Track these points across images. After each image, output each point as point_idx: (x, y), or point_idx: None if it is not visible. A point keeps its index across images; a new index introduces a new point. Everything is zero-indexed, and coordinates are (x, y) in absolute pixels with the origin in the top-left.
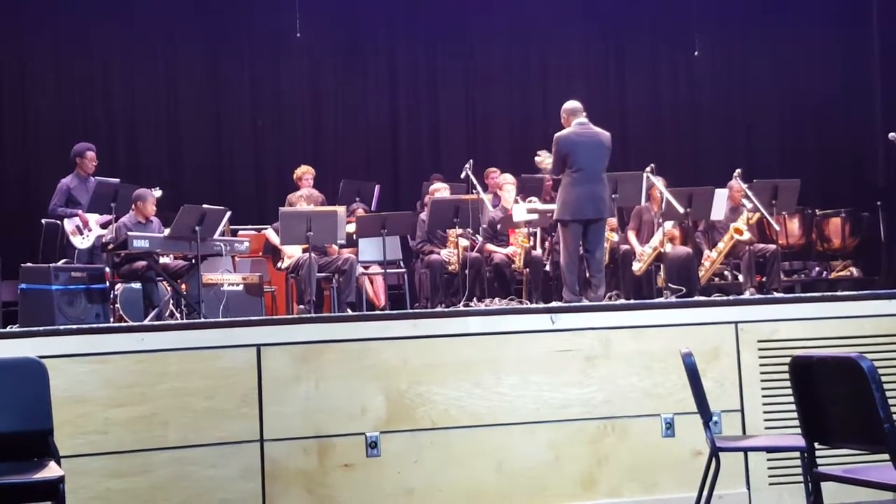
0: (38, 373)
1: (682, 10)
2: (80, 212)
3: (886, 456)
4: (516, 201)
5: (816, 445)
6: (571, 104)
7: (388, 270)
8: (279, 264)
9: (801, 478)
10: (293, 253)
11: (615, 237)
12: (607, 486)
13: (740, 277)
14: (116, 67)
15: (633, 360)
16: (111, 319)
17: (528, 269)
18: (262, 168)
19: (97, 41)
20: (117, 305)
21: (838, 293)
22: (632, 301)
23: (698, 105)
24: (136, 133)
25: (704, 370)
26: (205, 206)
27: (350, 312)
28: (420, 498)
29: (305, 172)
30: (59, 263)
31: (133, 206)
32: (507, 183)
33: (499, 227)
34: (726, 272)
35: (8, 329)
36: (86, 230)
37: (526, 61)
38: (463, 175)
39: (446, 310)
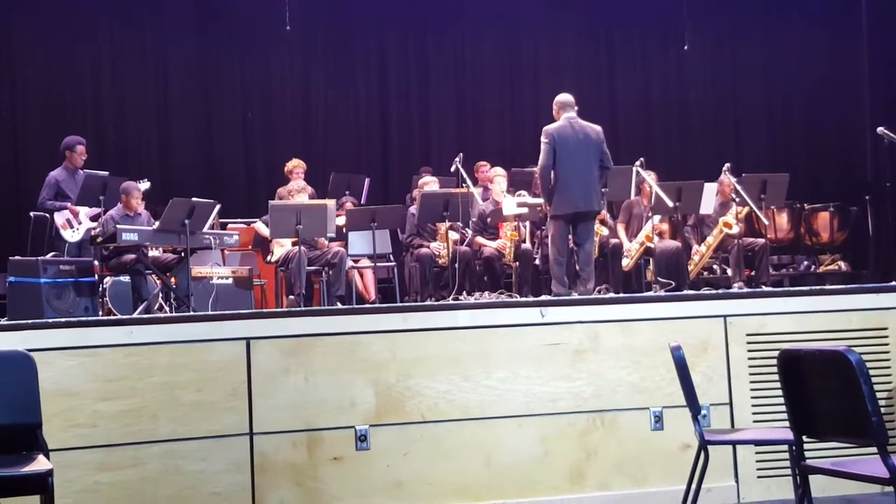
0: (27, 366)
1: (671, 4)
2: (69, 205)
3: (874, 449)
4: (505, 195)
5: (804, 438)
6: (564, 97)
7: (378, 264)
8: (268, 257)
9: (789, 471)
10: (283, 244)
11: (605, 231)
12: (596, 479)
13: (729, 271)
14: (106, 60)
15: (622, 354)
16: (100, 313)
17: (517, 263)
18: (251, 161)
19: (86, 33)
20: (106, 299)
21: (826, 287)
22: (621, 295)
23: (688, 100)
24: (125, 126)
25: (693, 364)
26: (194, 199)
27: (340, 306)
28: (409, 491)
29: (296, 166)
30: (48, 256)
31: (120, 199)
32: (497, 176)
33: (489, 220)
34: (715, 266)
35: None
36: (76, 223)
37: (517, 55)
38: (453, 168)
39: (436, 303)
